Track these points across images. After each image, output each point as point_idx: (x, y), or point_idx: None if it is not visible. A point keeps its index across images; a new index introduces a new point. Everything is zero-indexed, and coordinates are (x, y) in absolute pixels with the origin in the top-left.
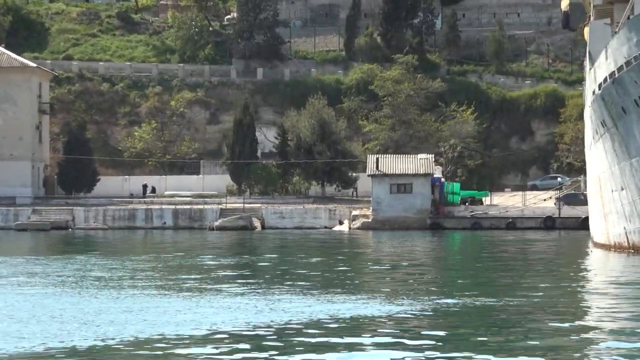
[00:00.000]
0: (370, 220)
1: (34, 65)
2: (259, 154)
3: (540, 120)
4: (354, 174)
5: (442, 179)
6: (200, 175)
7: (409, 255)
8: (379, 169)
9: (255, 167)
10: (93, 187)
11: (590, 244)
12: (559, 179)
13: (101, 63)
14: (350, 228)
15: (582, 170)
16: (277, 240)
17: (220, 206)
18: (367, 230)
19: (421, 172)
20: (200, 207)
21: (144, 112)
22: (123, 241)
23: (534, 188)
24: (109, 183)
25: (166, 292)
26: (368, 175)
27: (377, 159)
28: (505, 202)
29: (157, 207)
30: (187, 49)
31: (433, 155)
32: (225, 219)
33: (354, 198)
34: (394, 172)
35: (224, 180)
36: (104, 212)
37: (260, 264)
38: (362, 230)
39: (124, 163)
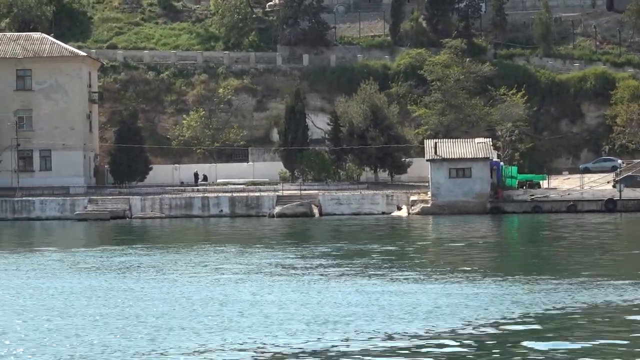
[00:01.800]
0: (429, 205)
1: (84, 54)
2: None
3: (590, 103)
4: (407, 159)
5: (501, 163)
6: (250, 163)
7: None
8: (438, 153)
9: (307, 154)
10: (146, 176)
11: None
12: (613, 161)
13: (146, 51)
14: (409, 213)
15: (636, 152)
16: (348, 226)
17: (276, 193)
18: (427, 216)
19: (480, 156)
20: (257, 194)
21: (190, 100)
22: (207, 230)
23: (587, 171)
24: (159, 172)
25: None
26: (427, 160)
27: (436, 143)
28: (561, 185)
29: (213, 195)
30: (232, 36)
31: (490, 139)
32: (285, 206)
33: (397, 183)
34: (453, 157)
35: (274, 167)
36: (161, 200)
37: (405, 251)
38: (421, 215)
39: (172, 151)
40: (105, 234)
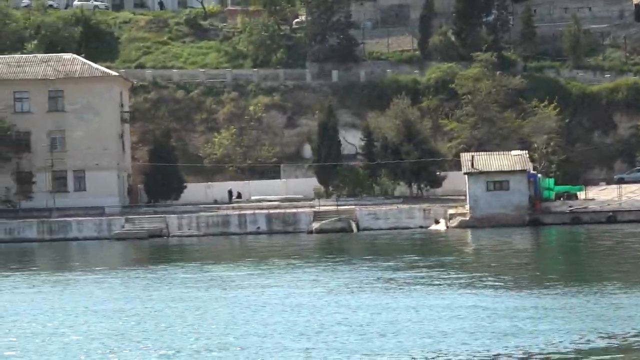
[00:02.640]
0: (467, 218)
1: (116, 74)
2: None
3: (622, 114)
4: (441, 173)
5: (538, 175)
6: (283, 180)
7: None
8: (475, 166)
9: (341, 169)
10: (180, 195)
11: None
12: None
13: (175, 70)
14: (447, 227)
15: None
16: (390, 241)
17: (313, 209)
18: (465, 229)
19: (517, 169)
20: (293, 210)
21: (221, 118)
22: (254, 247)
23: (622, 181)
24: (192, 190)
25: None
26: (464, 174)
27: (472, 156)
28: (598, 195)
29: (250, 212)
30: (260, 53)
31: (527, 152)
32: (324, 222)
33: (432, 197)
34: (490, 170)
35: (307, 183)
36: (197, 219)
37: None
38: (460, 228)
39: (204, 169)
40: (155, 253)
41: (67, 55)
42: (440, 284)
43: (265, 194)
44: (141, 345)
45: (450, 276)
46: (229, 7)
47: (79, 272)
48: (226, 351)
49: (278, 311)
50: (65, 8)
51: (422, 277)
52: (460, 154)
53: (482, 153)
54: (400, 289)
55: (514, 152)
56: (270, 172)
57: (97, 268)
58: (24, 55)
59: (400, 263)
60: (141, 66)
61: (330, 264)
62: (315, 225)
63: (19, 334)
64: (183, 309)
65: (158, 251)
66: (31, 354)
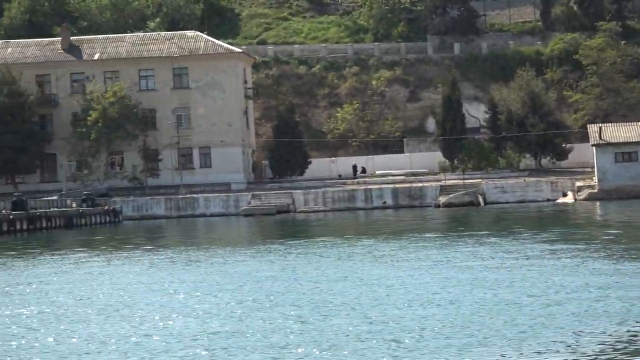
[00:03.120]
0: (596, 190)
1: (239, 50)
2: None
3: None
4: (567, 145)
5: None
6: (407, 154)
7: None
8: (602, 138)
9: (467, 143)
10: (305, 170)
11: None
12: None
13: (296, 46)
14: (575, 199)
15: None
16: (524, 213)
17: (439, 183)
18: (594, 202)
19: None
20: (419, 185)
21: (343, 93)
22: (391, 221)
23: None
24: (316, 165)
25: None
26: (592, 145)
27: (600, 128)
28: None
29: (376, 187)
30: (380, 27)
31: None
32: (451, 196)
33: (557, 169)
34: (618, 141)
35: (431, 157)
36: (324, 194)
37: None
38: (588, 201)
39: (327, 145)
40: (291, 228)
41: (190, 33)
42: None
43: (389, 168)
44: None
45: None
46: None
47: (231, 247)
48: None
49: (462, 285)
50: None
51: (589, 250)
52: (588, 125)
53: (610, 124)
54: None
55: None
56: (393, 146)
57: (246, 244)
58: (147, 34)
59: (553, 236)
60: (262, 42)
61: (478, 237)
62: (443, 199)
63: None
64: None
65: (292, 226)
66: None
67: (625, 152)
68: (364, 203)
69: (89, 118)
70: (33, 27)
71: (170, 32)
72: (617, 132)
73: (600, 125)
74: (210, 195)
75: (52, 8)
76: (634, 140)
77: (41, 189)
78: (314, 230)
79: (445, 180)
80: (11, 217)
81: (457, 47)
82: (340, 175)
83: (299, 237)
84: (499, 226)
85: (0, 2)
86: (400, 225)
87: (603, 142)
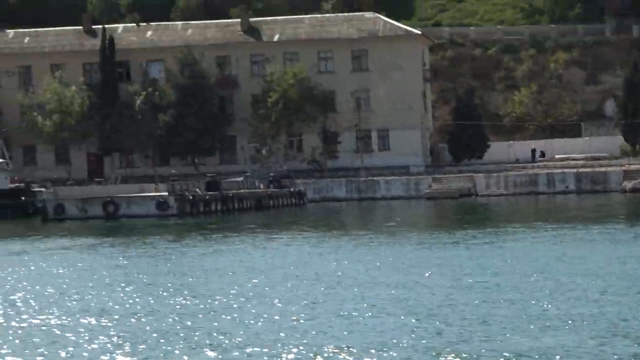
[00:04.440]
0: None
1: (418, 32)
2: None
3: None
4: None
5: None
6: (585, 138)
7: None
8: None
9: None
10: (483, 154)
11: None
12: None
13: (471, 28)
14: None
15: None
16: None
17: (622, 168)
18: None
19: None
20: (603, 169)
21: (519, 75)
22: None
23: None
24: (494, 149)
25: None
26: None
27: None
28: None
29: (559, 171)
30: (557, 9)
31: None
32: (637, 181)
33: None
34: None
35: (612, 141)
36: (505, 178)
37: None
38: None
39: (504, 128)
40: (484, 212)
41: (369, 14)
42: None
43: (567, 152)
44: None
45: None
46: None
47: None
48: None
49: None
50: None
51: None
52: None
53: None
54: None
55: None
56: (570, 130)
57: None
58: (326, 15)
59: None
60: (437, 24)
61: None
62: (628, 185)
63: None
64: None
65: (485, 210)
66: None
67: None
68: (546, 187)
69: (269, 99)
70: (208, 10)
71: (349, 14)
72: None
73: None
74: (391, 178)
75: None
76: None
77: (220, 171)
78: (512, 216)
79: (628, 164)
80: (207, 197)
81: (635, 29)
82: (518, 159)
83: (513, 223)
84: None
85: None
86: (613, 210)
87: None
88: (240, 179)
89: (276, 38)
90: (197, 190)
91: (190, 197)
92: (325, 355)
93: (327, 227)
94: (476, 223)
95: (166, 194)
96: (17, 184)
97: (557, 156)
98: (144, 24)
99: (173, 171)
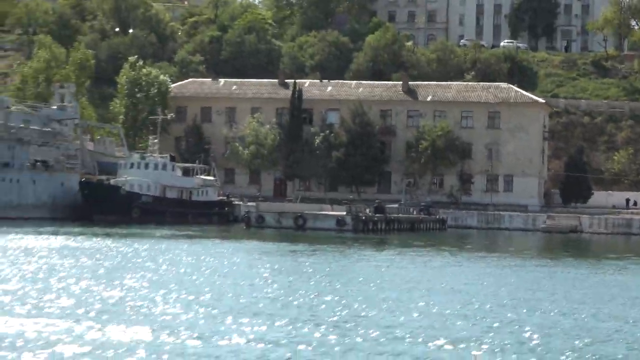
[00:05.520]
0: None
1: (543, 100)
2: None
3: None
4: None
5: None
6: None
7: None
8: None
9: None
10: (587, 200)
11: None
12: None
13: (582, 101)
14: None
15: None
16: None
17: None
18: None
19: None
20: None
21: (619, 140)
22: None
23: None
24: (595, 196)
25: None
26: None
27: None
28: None
29: None
30: None
31: None
32: None
33: None
34: None
35: None
36: (605, 220)
37: None
38: None
39: (604, 181)
40: (596, 246)
41: (504, 85)
42: None
43: None
44: None
45: None
46: (626, 52)
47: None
48: None
49: None
50: (492, 47)
51: None
52: None
53: None
54: None
55: None
56: None
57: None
58: (470, 83)
59: None
60: (555, 96)
61: None
62: None
63: None
64: None
65: (590, 245)
66: None
67: None
68: (638, 230)
69: (420, 146)
70: (375, 72)
71: (487, 83)
72: None
73: None
74: (514, 213)
75: (389, 58)
76: None
77: (376, 199)
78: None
79: None
80: (375, 218)
81: None
82: (614, 206)
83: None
84: None
85: (350, 52)
86: None
87: None
88: (396, 205)
89: (429, 98)
90: (368, 212)
91: (363, 218)
92: None
93: (472, 248)
94: (588, 255)
95: (344, 213)
96: (222, 197)
97: None
98: (326, 80)
99: (350, 197)
